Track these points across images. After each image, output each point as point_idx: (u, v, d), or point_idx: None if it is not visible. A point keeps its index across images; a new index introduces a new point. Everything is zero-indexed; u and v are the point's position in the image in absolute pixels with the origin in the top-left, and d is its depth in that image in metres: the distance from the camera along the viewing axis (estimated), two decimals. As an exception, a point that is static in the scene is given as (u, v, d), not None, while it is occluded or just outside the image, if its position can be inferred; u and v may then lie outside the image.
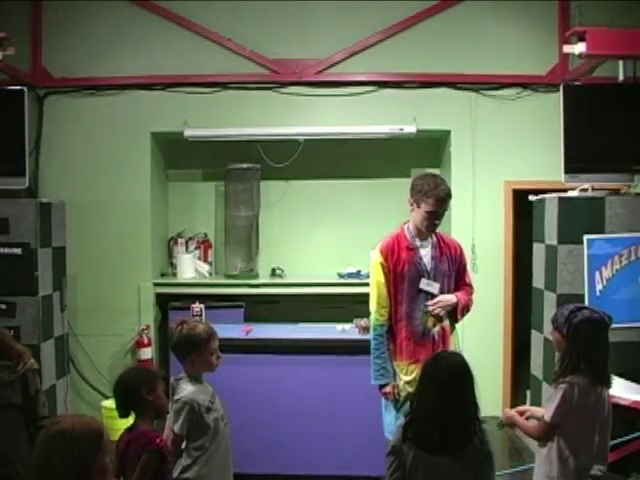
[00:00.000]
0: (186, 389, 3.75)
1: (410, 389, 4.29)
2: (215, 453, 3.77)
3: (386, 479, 3.22)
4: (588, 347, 3.55)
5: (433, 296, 4.46)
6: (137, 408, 3.44)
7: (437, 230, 4.57)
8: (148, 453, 3.26)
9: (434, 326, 4.46)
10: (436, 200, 4.36)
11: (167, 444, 3.55)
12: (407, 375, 4.44)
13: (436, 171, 7.84)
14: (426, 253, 4.50)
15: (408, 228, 4.57)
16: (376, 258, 4.54)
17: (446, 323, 4.55)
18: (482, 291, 7.16)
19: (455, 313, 4.56)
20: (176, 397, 3.73)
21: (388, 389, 4.48)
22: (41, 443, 2.48)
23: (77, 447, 2.44)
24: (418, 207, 4.42)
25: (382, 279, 4.49)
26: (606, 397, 3.60)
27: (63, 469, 2.42)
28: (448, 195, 4.41)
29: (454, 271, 4.59)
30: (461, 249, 4.68)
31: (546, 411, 3.61)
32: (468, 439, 3.07)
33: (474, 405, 3.14)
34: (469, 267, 4.89)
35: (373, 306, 4.55)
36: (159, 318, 7.51)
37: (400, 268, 4.46)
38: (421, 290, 4.45)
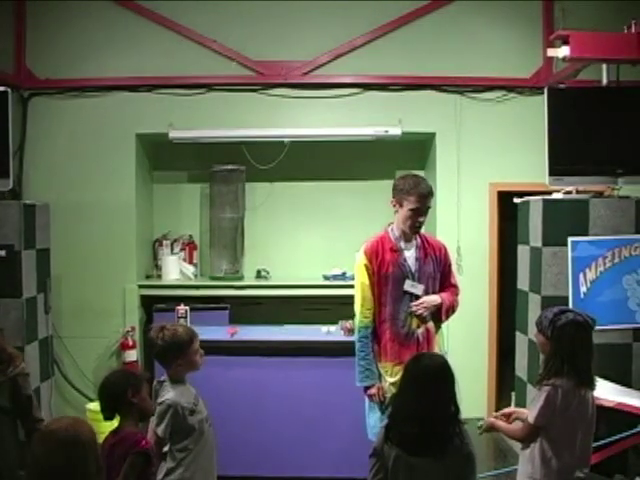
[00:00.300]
0: (170, 391, 3.73)
1: (395, 390, 4.17)
2: (199, 455, 3.75)
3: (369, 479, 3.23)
4: (572, 349, 3.56)
5: (417, 297, 4.45)
6: (122, 411, 3.41)
7: (422, 231, 4.58)
8: (133, 455, 3.24)
9: (418, 327, 4.46)
10: (418, 197, 4.38)
11: (151, 445, 3.54)
12: (392, 377, 4.42)
13: (421, 173, 7.86)
14: (410, 255, 4.51)
15: (392, 230, 4.57)
16: (360, 260, 4.53)
17: (430, 324, 4.54)
18: (467, 293, 7.18)
19: (439, 314, 4.55)
20: (159, 400, 3.71)
21: (373, 390, 4.47)
22: (36, 446, 2.51)
23: (71, 449, 2.48)
24: (401, 207, 4.45)
25: (366, 281, 4.49)
26: (590, 399, 3.60)
27: (58, 472, 2.45)
28: (430, 192, 4.43)
29: (439, 272, 4.59)
30: (446, 250, 4.68)
31: (530, 413, 3.62)
32: (448, 440, 3.08)
33: (454, 406, 3.15)
34: (454, 268, 4.90)
35: (357, 308, 4.55)
36: (144, 320, 7.48)
37: (384, 270, 4.46)
38: (405, 292, 4.45)
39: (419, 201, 4.38)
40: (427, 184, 4.45)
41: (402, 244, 4.52)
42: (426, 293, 4.49)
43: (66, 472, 2.46)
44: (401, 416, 3.14)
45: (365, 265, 4.50)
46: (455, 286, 4.70)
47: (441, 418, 3.08)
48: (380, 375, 4.51)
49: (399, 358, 4.40)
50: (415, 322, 4.46)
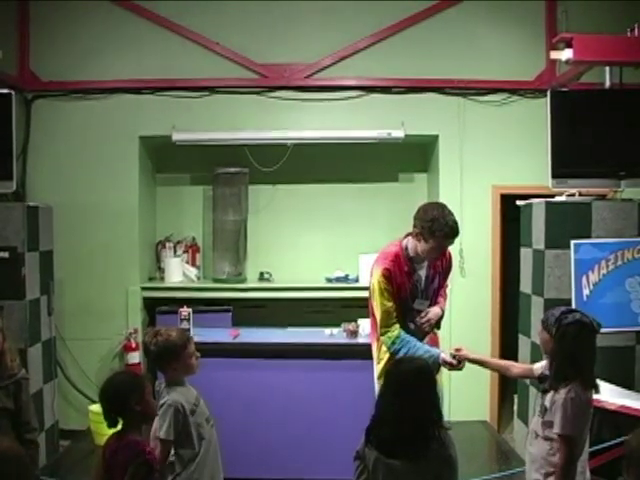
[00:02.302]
0: (170, 393, 3.75)
1: None
2: (205, 456, 3.77)
3: None
4: (574, 348, 3.56)
5: (419, 312, 4.52)
6: (125, 417, 3.38)
7: None
8: (136, 465, 3.22)
9: (423, 339, 4.52)
10: (446, 239, 4.32)
11: (155, 454, 3.54)
12: None
13: (424, 176, 7.89)
14: (422, 274, 4.51)
15: (407, 248, 4.48)
16: (381, 282, 4.41)
17: (433, 332, 4.64)
18: (470, 295, 7.24)
19: (439, 322, 4.64)
20: (160, 402, 3.72)
21: (447, 358, 4.34)
22: None
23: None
24: (426, 241, 4.31)
25: (389, 303, 4.41)
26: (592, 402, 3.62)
27: None
28: (457, 233, 4.34)
29: (443, 280, 4.66)
30: (451, 257, 4.70)
31: (562, 427, 3.49)
32: (426, 443, 3.08)
33: (434, 408, 3.18)
34: (457, 271, 4.94)
35: (380, 328, 4.46)
36: (147, 322, 7.49)
37: (401, 292, 4.42)
38: (414, 309, 4.51)
39: (447, 242, 4.36)
40: (456, 225, 4.32)
41: (416, 265, 4.47)
42: (430, 304, 4.56)
43: None
44: (380, 419, 3.17)
45: (386, 289, 4.40)
46: (446, 287, 4.78)
47: (419, 421, 3.09)
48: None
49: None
50: (419, 334, 4.52)
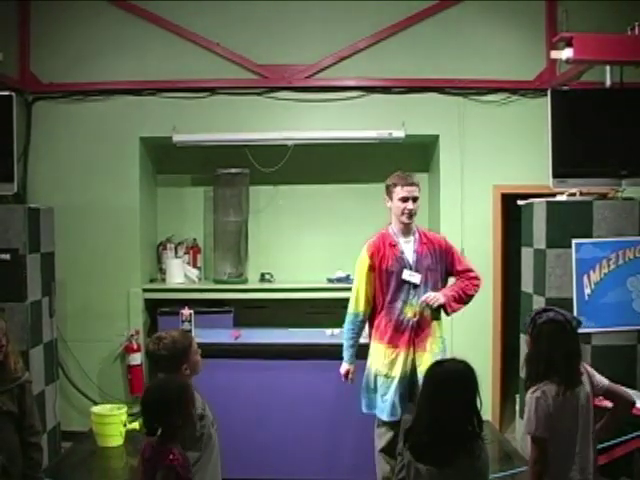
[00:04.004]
0: None
1: (388, 371, 4.82)
2: (208, 460, 3.75)
3: (394, 477, 3.25)
4: (549, 348, 3.56)
5: (415, 286, 4.82)
6: (166, 428, 3.29)
7: (422, 228, 5.09)
8: (164, 469, 3.19)
9: (414, 316, 4.81)
10: (402, 185, 4.87)
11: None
12: (386, 358, 4.84)
13: (425, 175, 7.88)
14: (409, 248, 4.90)
15: (391, 226, 5.01)
16: (363, 256, 4.96)
17: (427, 313, 4.85)
18: (471, 295, 7.20)
19: (445, 308, 4.85)
20: None
21: (344, 369, 5.07)
22: None
23: None
24: (392, 200, 4.94)
25: (365, 279, 4.92)
26: (579, 398, 3.57)
27: None
28: (410, 181, 4.89)
29: (439, 264, 4.92)
30: (445, 241, 5.04)
31: (526, 428, 3.55)
32: (455, 450, 3.05)
33: (470, 416, 3.13)
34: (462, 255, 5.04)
35: (352, 298, 5.04)
36: (148, 323, 7.50)
37: (385, 264, 4.85)
38: (404, 281, 4.82)
39: (405, 188, 4.86)
40: (403, 175, 4.96)
41: (401, 238, 4.93)
42: (425, 284, 4.84)
43: None
44: (419, 423, 3.14)
45: (367, 261, 4.91)
46: (469, 270, 4.99)
47: (452, 427, 3.05)
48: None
49: (393, 342, 4.83)
50: (411, 311, 4.82)
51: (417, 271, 4.82)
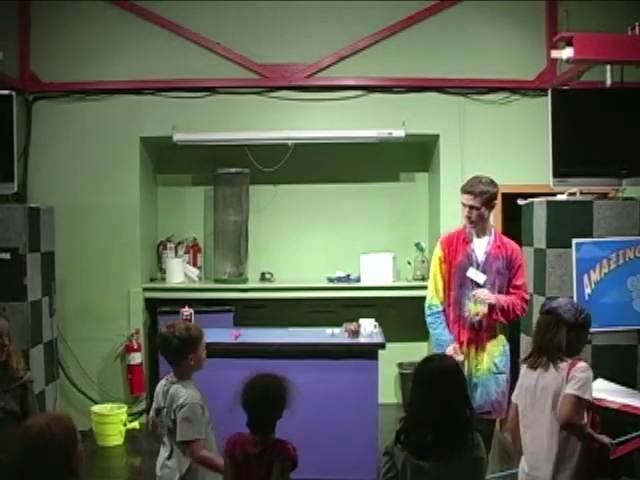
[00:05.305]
0: (186, 391, 3.75)
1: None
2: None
3: (380, 477, 3.23)
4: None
5: (478, 286, 4.86)
6: (270, 423, 3.51)
7: (499, 232, 5.19)
8: (283, 461, 3.46)
9: (476, 315, 4.86)
10: (462, 191, 4.94)
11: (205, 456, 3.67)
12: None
13: (425, 175, 7.89)
14: (480, 247, 4.96)
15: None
16: (436, 250, 5.08)
17: (480, 309, 4.88)
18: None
19: (492, 312, 4.87)
20: (180, 402, 3.70)
21: (450, 351, 4.79)
22: (23, 447, 2.50)
23: (59, 446, 2.52)
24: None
25: (437, 270, 5.01)
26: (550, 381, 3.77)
27: (49, 469, 2.48)
28: (467, 189, 4.91)
29: (508, 270, 4.95)
30: (518, 252, 5.06)
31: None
32: (458, 443, 3.05)
33: (467, 407, 3.15)
34: (523, 272, 5.08)
35: (428, 290, 5.09)
36: (148, 323, 7.50)
37: (454, 258, 4.95)
38: (469, 279, 4.89)
39: (462, 196, 4.93)
40: (471, 182, 4.96)
41: (474, 237, 4.98)
42: (492, 286, 4.88)
43: (28, 469, 2.47)
44: (412, 419, 3.14)
45: (439, 257, 5.01)
46: (520, 288, 4.98)
47: (452, 420, 3.05)
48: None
49: (459, 339, 4.90)
50: (473, 309, 4.88)
51: (484, 272, 4.88)
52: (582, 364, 3.72)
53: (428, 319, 5.04)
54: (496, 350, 4.92)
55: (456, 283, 4.92)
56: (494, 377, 4.89)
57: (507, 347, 5.04)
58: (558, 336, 3.78)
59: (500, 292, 4.90)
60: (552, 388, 3.73)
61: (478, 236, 4.97)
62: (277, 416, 3.46)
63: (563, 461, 3.71)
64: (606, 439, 3.76)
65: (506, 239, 5.11)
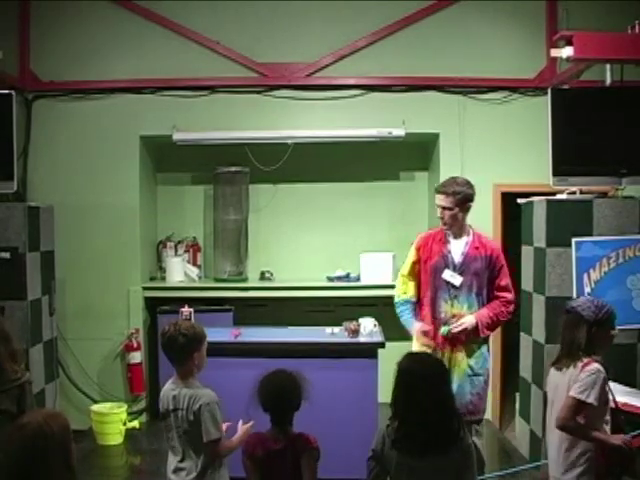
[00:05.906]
0: (203, 391, 3.76)
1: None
2: None
3: None
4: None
5: (455, 287, 4.77)
6: (288, 416, 3.69)
7: (477, 231, 4.98)
8: (309, 452, 3.59)
9: (453, 316, 4.77)
10: (435, 193, 4.90)
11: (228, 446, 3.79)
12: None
13: (424, 174, 7.89)
14: (457, 248, 4.86)
15: None
16: (411, 249, 5.02)
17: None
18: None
19: (477, 332, 4.76)
20: (200, 403, 3.69)
21: (417, 331, 4.84)
22: (22, 446, 2.50)
23: (58, 442, 2.54)
24: None
25: (408, 266, 4.99)
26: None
27: (50, 466, 2.49)
28: (440, 190, 4.85)
29: (487, 271, 4.83)
30: (498, 252, 4.92)
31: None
32: (450, 436, 3.07)
33: (452, 401, 3.20)
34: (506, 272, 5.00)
35: (396, 285, 5.08)
36: (148, 322, 7.49)
37: (429, 259, 4.86)
38: (444, 280, 4.79)
39: (435, 197, 4.88)
40: (446, 182, 4.91)
41: (451, 238, 4.89)
42: (469, 288, 4.78)
43: (29, 466, 2.47)
44: (402, 419, 3.13)
45: (413, 253, 4.98)
46: (505, 289, 4.89)
47: (442, 414, 3.07)
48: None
49: (434, 339, 4.80)
50: (450, 311, 4.79)
51: (462, 273, 4.77)
52: (592, 366, 3.69)
53: (397, 310, 5.01)
54: (472, 352, 4.81)
55: (432, 284, 4.83)
56: (469, 379, 4.79)
57: (484, 348, 4.90)
58: (578, 335, 3.78)
59: (479, 294, 4.81)
60: (564, 387, 3.73)
61: (455, 237, 4.88)
62: (296, 407, 3.60)
63: (573, 461, 3.71)
64: (617, 440, 3.70)
65: (485, 239, 5.00)
